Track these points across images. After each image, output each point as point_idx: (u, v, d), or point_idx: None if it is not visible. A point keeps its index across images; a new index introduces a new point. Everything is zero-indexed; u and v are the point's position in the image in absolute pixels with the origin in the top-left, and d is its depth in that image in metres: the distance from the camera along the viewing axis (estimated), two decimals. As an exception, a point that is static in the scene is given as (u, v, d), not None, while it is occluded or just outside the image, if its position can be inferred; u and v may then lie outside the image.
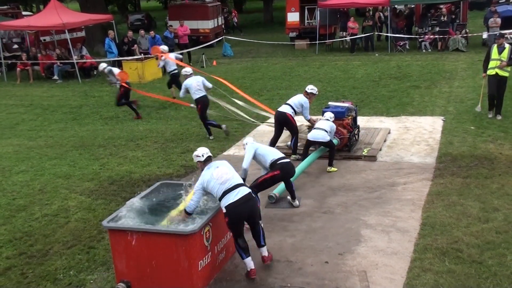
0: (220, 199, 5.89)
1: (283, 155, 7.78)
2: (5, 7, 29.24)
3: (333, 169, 9.20)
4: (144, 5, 62.87)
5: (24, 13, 33.13)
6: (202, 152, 6.21)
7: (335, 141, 9.54)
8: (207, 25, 27.78)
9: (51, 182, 9.28)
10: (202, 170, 6.16)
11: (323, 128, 9.22)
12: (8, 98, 17.25)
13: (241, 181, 6.10)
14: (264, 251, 6.18)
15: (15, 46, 23.43)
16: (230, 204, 5.81)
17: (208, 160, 6.18)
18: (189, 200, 6.11)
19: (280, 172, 7.53)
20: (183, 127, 12.63)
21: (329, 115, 9.63)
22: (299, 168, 8.69)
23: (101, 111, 14.79)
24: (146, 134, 12.17)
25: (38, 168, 9.85)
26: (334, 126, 9.46)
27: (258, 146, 7.79)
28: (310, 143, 9.44)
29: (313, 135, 9.28)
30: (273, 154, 7.70)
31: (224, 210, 5.86)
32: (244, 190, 5.95)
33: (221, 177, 5.96)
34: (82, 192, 8.80)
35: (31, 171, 9.77)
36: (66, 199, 8.52)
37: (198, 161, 6.25)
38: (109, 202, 8.30)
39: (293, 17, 25.94)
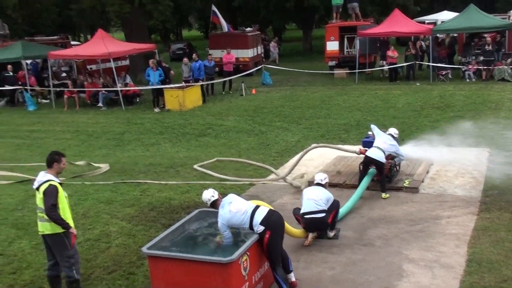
0: (250, 224, 6.10)
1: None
2: (56, 37, 30.50)
3: (387, 195, 9.04)
4: (186, 34, 64.41)
5: (72, 42, 34.50)
6: (207, 197, 6.44)
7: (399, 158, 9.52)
8: (246, 54, 28.17)
9: (93, 207, 9.45)
10: (217, 209, 6.37)
11: (382, 148, 9.13)
12: (56, 124, 17.81)
13: (257, 203, 6.48)
14: (292, 277, 6.28)
15: (64, 74, 24.28)
16: (263, 218, 6.06)
17: (215, 201, 6.40)
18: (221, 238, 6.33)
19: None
20: (222, 155, 12.70)
21: (393, 130, 9.59)
22: (353, 198, 8.61)
23: (142, 138, 15.06)
24: (185, 161, 12.29)
25: (82, 193, 10.05)
26: (395, 147, 9.36)
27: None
28: (369, 162, 9.22)
29: (372, 153, 9.15)
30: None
31: (261, 228, 6.03)
32: (266, 208, 6.32)
33: (240, 209, 6.21)
34: (123, 217, 8.91)
35: (75, 195, 9.98)
36: (108, 224, 8.64)
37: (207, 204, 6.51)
38: (149, 228, 8.37)
39: (332, 46, 26.04)
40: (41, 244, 7.59)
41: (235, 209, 6.22)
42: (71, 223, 6.08)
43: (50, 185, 5.89)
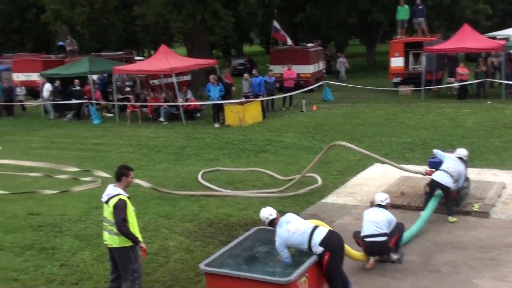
0: (309, 245, 6.06)
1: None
2: (121, 52, 31.75)
3: (454, 219, 8.74)
4: (247, 50, 65.27)
5: (136, 57, 35.78)
6: (265, 215, 6.43)
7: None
8: (308, 69, 28.17)
9: (153, 221, 9.66)
10: (274, 228, 6.37)
11: (449, 172, 8.83)
12: (119, 137, 18.43)
13: (316, 223, 6.45)
14: None
15: (127, 88, 25.15)
16: (323, 239, 6.03)
17: (273, 220, 6.39)
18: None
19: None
20: (281, 171, 12.69)
21: (463, 152, 9.28)
22: (420, 221, 8.38)
23: (202, 153, 15.31)
24: (244, 177, 12.36)
25: (142, 206, 10.31)
26: (462, 171, 9.02)
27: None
28: (434, 186, 8.93)
29: (439, 177, 8.87)
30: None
31: (320, 249, 5.99)
32: (325, 228, 6.29)
33: (298, 229, 6.18)
34: (182, 232, 9.05)
35: (136, 209, 10.21)
36: (167, 238, 8.81)
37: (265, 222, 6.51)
38: (207, 244, 8.46)
39: (397, 62, 25.60)
40: (102, 255, 7.86)
41: (293, 228, 6.19)
42: (139, 237, 6.25)
43: (120, 199, 6.09)
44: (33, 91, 28.39)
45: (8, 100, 24.54)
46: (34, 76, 27.27)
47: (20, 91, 25.39)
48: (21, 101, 25.43)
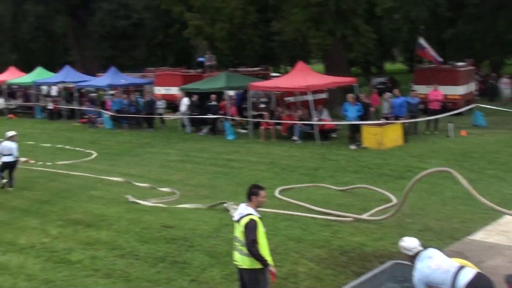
0: (452, 286, 5.78)
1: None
2: (257, 68, 32.86)
3: None
4: (389, 68, 63.89)
5: (272, 74, 36.79)
6: (412, 245, 6.10)
7: None
8: (457, 91, 26.82)
9: (283, 244, 9.78)
10: (411, 261, 6.14)
11: None
12: (252, 155, 19.01)
13: (461, 263, 6.05)
14: None
15: (262, 105, 25.90)
16: (470, 282, 5.72)
17: (417, 253, 6.15)
18: None
19: None
20: (422, 201, 12.19)
21: None
22: None
23: (336, 175, 15.23)
24: (380, 204, 12.04)
25: (272, 228, 10.48)
26: None
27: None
28: None
29: None
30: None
31: None
32: (472, 269, 5.91)
33: (440, 266, 5.90)
34: (312, 258, 9.05)
35: (266, 230, 10.46)
36: (296, 263, 8.86)
37: (406, 255, 6.25)
38: (338, 273, 8.36)
39: None
40: (231, 274, 8.11)
41: (435, 265, 5.90)
42: (269, 260, 6.36)
43: (251, 219, 6.26)
44: (172, 105, 30.40)
45: (149, 112, 26.54)
46: (174, 90, 29.22)
47: (161, 104, 27.35)
48: (160, 114, 27.36)
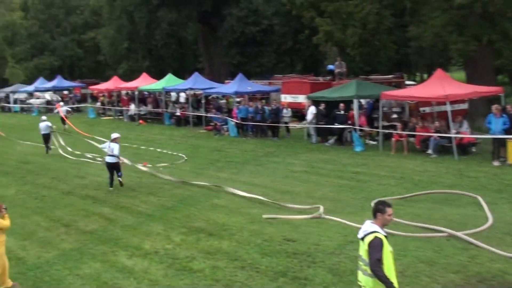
0: None
1: None
2: (390, 76, 32.17)
3: None
4: (542, 76, 59.27)
5: (407, 82, 35.83)
6: None
7: None
8: None
9: (412, 265, 9.45)
10: None
11: None
12: (381, 168, 18.63)
13: None
14: None
15: (394, 115, 25.27)
16: None
17: None
18: None
19: None
20: None
21: None
22: None
23: (476, 193, 14.40)
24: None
25: (401, 247, 10.17)
26: None
27: None
28: None
29: None
30: None
31: None
32: None
33: None
34: (446, 284, 8.66)
35: (394, 250, 10.17)
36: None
37: None
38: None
39: None
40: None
41: None
42: (395, 282, 6.16)
43: (376, 237, 6.13)
44: (299, 113, 30.70)
45: (275, 121, 27.03)
46: (301, 98, 29.52)
47: (286, 112, 27.74)
48: (286, 122, 27.74)
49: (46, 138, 24.25)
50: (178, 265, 10.11)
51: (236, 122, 28.37)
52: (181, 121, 34.21)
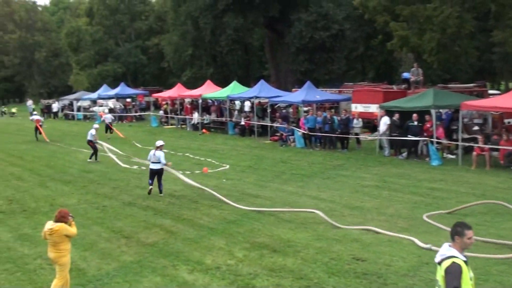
0: None
1: None
2: (471, 84, 31.25)
3: None
4: None
5: (490, 91, 34.72)
6: None
7: None
8: None
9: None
10: None
11: None
12: (460, 184, 18.11)
13: None
14: None
15: (475, 127, 24.55)
16: None
17: None
18: None
19: None
20: None
21: None
22: None
23: None
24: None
25: (482, 271, 9.80)
26: None
27: None
28: None
29: None
30: None
31: None
32: None
33: None
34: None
35: (476, 274, 9.85)
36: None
37: None
38: None
39: None
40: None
41: None
42: None
43: (454, 263, 5.89)
44: (370, 124, 30.33)
45: (344, 132, 26.80)
46: (373, 108, 29.16)
47: (357, 123, 27.47)
48: (356, 134, 27.46)
49: (91, 145, 25.22)
50: (240, 282, 10.15)
51: (303, 133, 28.34)
52: (246, 131, 34.52)
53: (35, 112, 42.48)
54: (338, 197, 16.83)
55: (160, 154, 17.35)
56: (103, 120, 38.31)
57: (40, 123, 35.68)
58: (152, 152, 17.57)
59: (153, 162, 17.39)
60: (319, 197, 16.76)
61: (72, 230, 9.37)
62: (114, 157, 24.31)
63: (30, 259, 11.73)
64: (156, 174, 17.47)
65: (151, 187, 17.43)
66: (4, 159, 27.09)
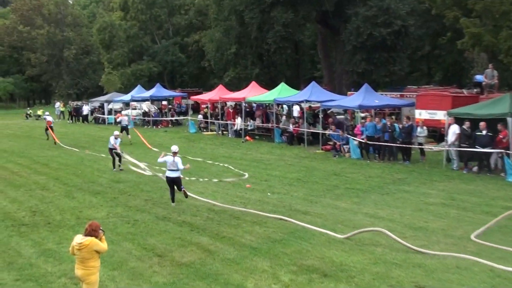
0: None
1: None
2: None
3: None
4: None
5: None
6: None
7: None
8: None
9: None
10: None
11: None
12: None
13: None
14: None
15: None
16: None
17: None
18: None
19: None
20: None
21: None
22: None
23: None
24: None
25: None
26: None
27: None
28: None
29: None
30: None
31: None
32: None
33: None
34: None
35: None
36: None
37: None
38: None
39: None
40: None
41: None
42: None
43: None
44: (436, 133, 29.84)
45: (407, 141, 26.43)
46: (440, 115, 28.72)
47: (421, 131, 27.07)
48: (421, 143, 27.05)
49: (113, 152, 25.68)
50: (285, 309, 10.11)
51: (360, 142, 28.10)
52: (294, 139, 34.44)
53: (47, 113, 44.00)
54: (398, 215, 16.60)
55: (178, 160, 17.80)
56: (119, 122, 39.07)
57: (51, 125, 39.56)
58: (170, 158, 17.88)
59: (170, 170, 17.85)
60: (377, 215, 16.57)
61: (103, 245, 9.40)
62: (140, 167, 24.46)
63: (54, 277, 11.93)
64: (174, 183, 17.99)
65: (173, 204, 18.20)
66: (29, 166, 27.74)
